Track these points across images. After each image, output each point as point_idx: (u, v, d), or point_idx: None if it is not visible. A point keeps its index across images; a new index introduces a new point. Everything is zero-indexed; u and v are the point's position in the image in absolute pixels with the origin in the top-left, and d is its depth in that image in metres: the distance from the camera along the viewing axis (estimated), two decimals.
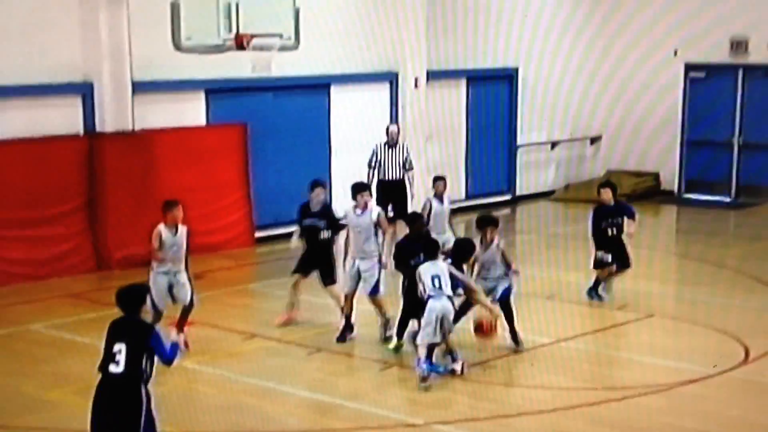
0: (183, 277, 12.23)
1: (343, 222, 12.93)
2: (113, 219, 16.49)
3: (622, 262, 14.15)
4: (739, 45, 22.23)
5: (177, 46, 15.02)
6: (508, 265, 12.11)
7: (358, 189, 12.71)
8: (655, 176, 23.54)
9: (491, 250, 12.06)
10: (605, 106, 24.01)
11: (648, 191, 23.24)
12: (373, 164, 17.87)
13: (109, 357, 7.79)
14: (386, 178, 17.82)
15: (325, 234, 13.07)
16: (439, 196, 14.49)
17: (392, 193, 17.86)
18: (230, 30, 15.47)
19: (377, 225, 12.53)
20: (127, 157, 16.51)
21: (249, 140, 17.99)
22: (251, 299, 15.47)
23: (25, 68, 15.74)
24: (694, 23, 22.61)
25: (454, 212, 15.19)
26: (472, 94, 21.83)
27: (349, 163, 19.07)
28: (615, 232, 14.05)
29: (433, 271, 11.17)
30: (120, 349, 7.76)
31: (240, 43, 15.43)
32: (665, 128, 23.21)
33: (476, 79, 21.77)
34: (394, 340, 12.05)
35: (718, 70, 22.78)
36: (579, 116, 23.85)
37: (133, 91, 16.50)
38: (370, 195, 13.31)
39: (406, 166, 17.95)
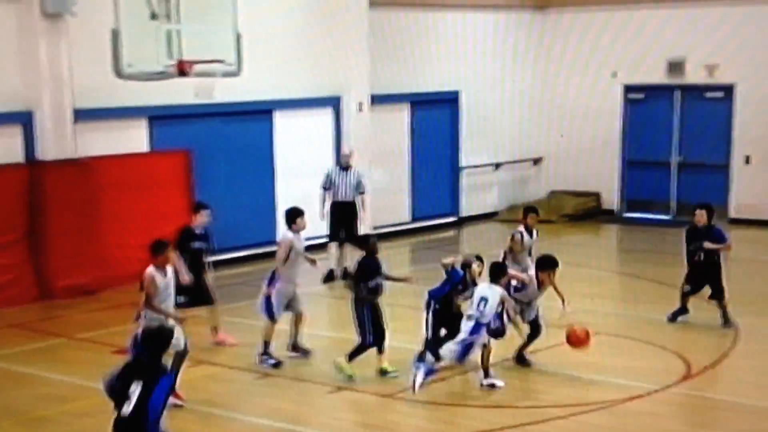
0: (172, 321, 11.22)
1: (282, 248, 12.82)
2: (55, 248, 16.31)
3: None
4: (675, 66, 22.60)
5: (118, 74, 14.93)
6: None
7: (298, 214, 12.80)
8: (597, 196, 23.83)
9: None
10: (547, 127, 24.29)
11: (590, 211, 23.53)
12: (326, 186, 17.86)
13: (123, 397, 7.60)
14: (339, 199, 17.81)
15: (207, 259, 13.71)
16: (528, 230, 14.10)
17: (344, 214, 17.86)
18: (171, 57, 15.42)
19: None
20: (69, 186, 16.35)
21: (193, 166, 17.93)
22: (200, 326, 15.30)
23: None
24: (632, 46, 23.02)
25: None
26: (415, 118, 21.96)
27: (294, 187, 19.09)
28: (702, 257, 14.00)
29: (486, 293, 11.39)
30: (135, 389, 7.59)
31: (182, 69, 15.39)
32: (606, 149, 23.52)
33: (420, 102, 21.91)
34: (344, 364, 11.98)
35: (655, 91, 23.14)
36: (521, 138, 24.09)
37: (75, 119, 16.36)
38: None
39: (359, 188, 18.01)
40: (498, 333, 11.83)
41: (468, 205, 22.96)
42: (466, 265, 12.29)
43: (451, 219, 22.70)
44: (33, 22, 16.00)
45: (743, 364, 12.64)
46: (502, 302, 11.45)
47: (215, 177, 18.36)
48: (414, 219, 21.99)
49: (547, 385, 11.77)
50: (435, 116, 22.35)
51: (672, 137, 23.05)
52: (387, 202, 21.19)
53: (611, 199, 23.80)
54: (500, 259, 13.14)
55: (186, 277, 12.84)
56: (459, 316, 11.88)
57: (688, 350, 12.84)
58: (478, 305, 11.32)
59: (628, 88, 23.43)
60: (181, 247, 13.34)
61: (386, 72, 20.85)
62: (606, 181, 23.66)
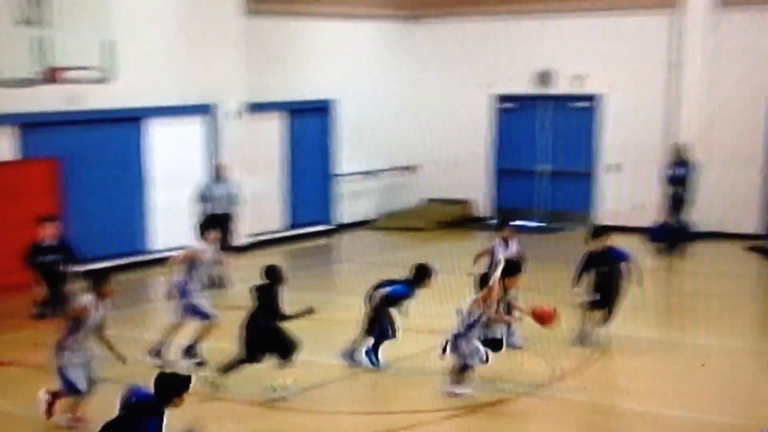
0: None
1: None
2: None
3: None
4: (544, 77, 23.13)
5: None
6: None
7: (209, 225, 13.62)
8: (469, 204, 24.21)
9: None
10: (420, 136, 24.54)
11: (462, 219, 23.90)
12: (202, 198, 18.09)
13: None
14: (214, 212, 17.92)
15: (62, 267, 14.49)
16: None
17: (218, 226, 17.79)
18: (42, 63, 15.11)
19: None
20: None
21: (63, 175, 17.62)
22: None
23: None
24: (503, 57, 23.46)
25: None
26: (291, 126, 21.96)
27: (166, 196, 18.94)
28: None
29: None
30: None
31: (52, 76, 15.09)
32: (478, 157, 23.94)
33: (296, 110, 21.92)
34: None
35: (525, 101, 23.65)
36: (396, 146, 24.30)
37: None
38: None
39: (234, 200, 18.20)
40: (495, 344, 11.91)
41: (344, 213, 23.04)
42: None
43: (327, 227, 22.78)
44: None
45: (612, 367, 13.03)
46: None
47: (85, 185, 18.07)
48: (290, 227, 22.00)
49: (420, 391, 11.90)
50: (311, 124, 22.40)
51: (541, 146, 23.59)
52: (263, 210, 21.17)
53: (483, 206, 24.20)
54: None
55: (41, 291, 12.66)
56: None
57: (555, 355, 13.13)
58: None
59: (499, 98, 23.88)
60: (29, 263, 13.64)
61: (262, 80, 20.77)
62: (478, 189, 24.08)
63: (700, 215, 20.56)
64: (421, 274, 12.65)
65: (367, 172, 23.62)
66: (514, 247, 14.18)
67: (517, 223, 22.92)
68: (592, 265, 13.74)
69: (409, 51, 24.42)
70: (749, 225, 21.16)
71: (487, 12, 23.58)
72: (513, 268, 12.19)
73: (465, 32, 23.97)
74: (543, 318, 11.84)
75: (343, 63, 22.84)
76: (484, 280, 12.60)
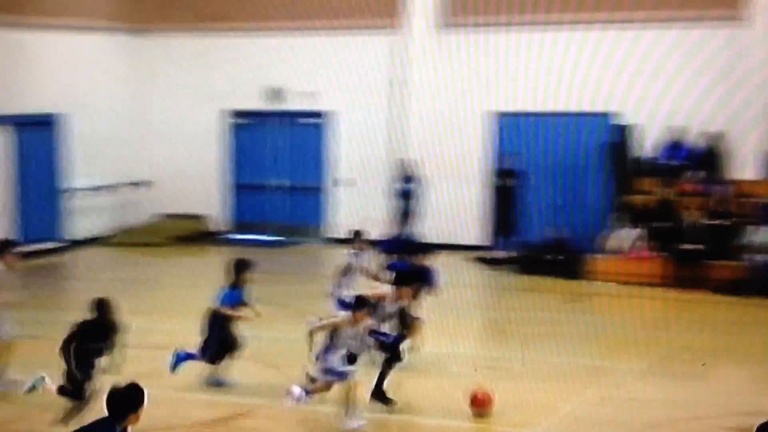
0: None
1: None
2: None
3: None
4: (275, 93, 23.41)
5: None
6: None
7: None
8: (204, 219, 24.15)
9: None
10: (153, 151, 24.30)
11: (198, 233, 23.82)
12: None
13: None
14: None
15: None
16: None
17: None
18: None
19: None
20: None
21: None
22: None
23: None
24: (234, 72, 23.58)
25: None
26: (19, 140, 21.20)
27: None
28: None
29: None
30: None
31: None
32: (212, 172, 23.93)
33: (23, 124, 21.17)
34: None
35: (257, 117, 23.91)
36: (128, 161, 23.94)
37: None
38: None
39: None
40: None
41: (77, 229, 22.43)
42: None
43: (57, 244, 22.10)
44: None
45: None
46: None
47: None
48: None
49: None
50: (39, 138, 21.66)
51: (275, 161, 23.89)
52: None
53: (218, 221, 24.23)
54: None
55: None
56: None
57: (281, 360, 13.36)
58: None
59: (231, 114, 24.00)
60: None
61: None
62: (213, 204, 24.09)
63: (429, 227, 21.34)
64: (241, 270, 12.47)
65: (100, 188, 23.10)
66: (366, 259, 14.61)
67: (253, 237, 23.54)
68: None
69: (140, 64, 24.15)
70: (473, 237, 22.20)
71: (220, 28, 23.65)
72: (406, 277, 12.36)
73: (194, 47, 23.96)
74: (482, 403, 11.35)
75: (72, 75, 22.32)
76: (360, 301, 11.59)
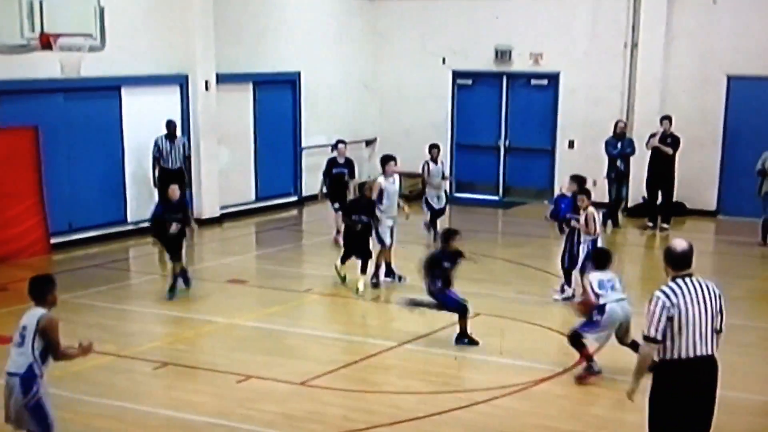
0: None
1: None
2: None
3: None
4: (503, 54, 22.67)
5: None
6: None
7: (386, 160, 15.41)
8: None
9: None
10: (379, 109, 23.96)
11: (420, 192, 23.26)
12: (155, 155, 18.04)
13: None
14: (167, 167, 18.07)
15: (347, 178, 17.66)
16: (434, 160, 18.14)
17: (172, 181, 17.11)
18: (34, 29, 13.95)
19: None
20: None
21: (40, 144, 16.46)
22: (61, 312, 13.96)
23: None
24: (461, 33, 22.93)
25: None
26: (258, 98, 21.08)
27: (142, 166, 18.10)
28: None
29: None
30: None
31: (46, 42, 13.95)
32: (436, 132, 23.29)
33: (262, 83, 21.03)
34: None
35: (483, 77, 23.17)
36: (356, 119, 23.62)
37: None
38: (396, 164, 15.46)
39: (185, 155, 18.35)
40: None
41: (308, 185, 22.25)
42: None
43: (293, 198, 22.00)
44: None
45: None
46: None
47: (64, 154, 16.99)
48: (257, 199, 21.19)
49: (454, 370, 11.36)
50: (277, 96, 21.55)
51: (499, 122, 23.17)
52: (233, 182, 20.35)
53: None
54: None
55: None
56: None
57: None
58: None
59: (457, 74, 23.36)
60: (327, 173, 18.00)
61: (231, 51, 19.87)
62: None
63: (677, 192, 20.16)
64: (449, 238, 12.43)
65: (329, 145, 22.78)
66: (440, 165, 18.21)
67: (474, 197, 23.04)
68: None
69: (370, 25, 23.71)
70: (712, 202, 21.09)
71: None
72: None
73: (424, 9, 23.30)
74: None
75: (307, 36, 22.02)
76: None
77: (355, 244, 14.68)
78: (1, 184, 15.98)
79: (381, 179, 15.28)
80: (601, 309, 10.75)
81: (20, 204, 16.34)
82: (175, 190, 13.84)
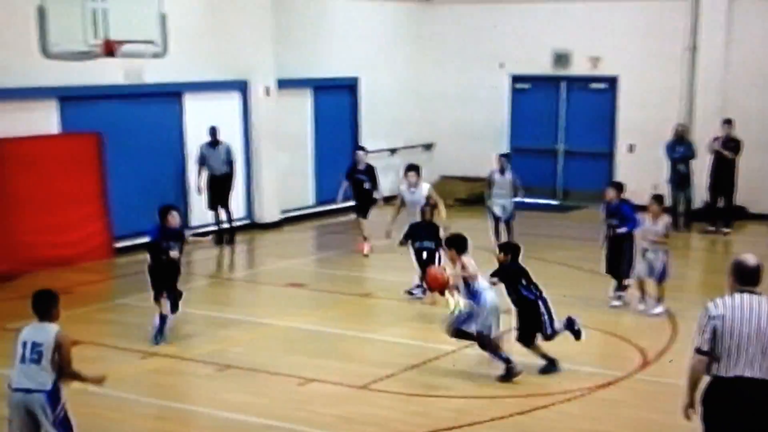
0: None
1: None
2: None
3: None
4: (561, 58, 22.43)
5: (45, 52, 13.50)
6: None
7: (407, 169, 15.30)
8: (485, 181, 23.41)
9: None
10: (437, 114, 23.79)
11: (480, 196, 23.08)
12: (200, 162, 17.94)
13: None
14: (213, 173, 17.99)
15: (366, 185, 17.22)
16: (501, 170, 17.52)
17: (219, 186, 18.00)
18: (97, 36, 14.06)
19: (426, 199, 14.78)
20: None
21: (104, 149, 16.60)
22: (124, 315, 14.07)
23: None
24: (519, 37, 22.72)
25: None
26: (317, 103, 21.09)
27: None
28: (613, 233, 13.82)
29: None
30: None
31: (109, 49, 14.06)
32: (494, 136, 23.15)
33: (321, 88, 21.04)
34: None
35: (541, 81, 22.94)
36: (414, 124, 23.52)
37: None
38: (418, 175, 15.33)
39: (229, 160, 18.12)
40: None
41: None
42: None
43: (351, 203, 21.88)
44: None
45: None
46: None
47: (126, 159, 17.10)
48: (317, 203, 21.18)
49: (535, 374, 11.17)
50: (336, 101, 21.55)
51: (557, 126, 22.92)
52: (292, 186, 20.36)
53: None
54: None
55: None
56: None
57: (630, 333, 12.52)
58: None
59: (515, 78, 23.16)
60: (347, 178, 17.59)
61: (291, 57, 19.88)
62: (494, 166, 23.22)
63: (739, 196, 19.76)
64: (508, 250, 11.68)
65: (385, 150, 22.77)
66: (507, 175, 17.49)
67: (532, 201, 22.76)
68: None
69: (427, 31, 23.58)
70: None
71: None
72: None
73: (481, 13, 23.12)
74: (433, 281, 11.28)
75: (365, 41, 21.97)
76: None
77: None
78: (64, 189, 16.14)
79: (402, 187, 15.36)
80: (477, 296, 10.70)
81: (84, 208, 16.50)
82: (175, 217, 12.47)
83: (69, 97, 16.20)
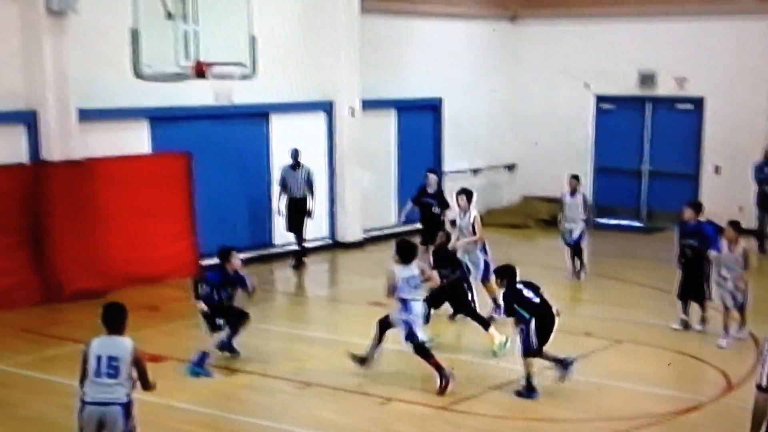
0: None
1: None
2: (59, 249, 15.20)
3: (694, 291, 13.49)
4: (647, 79, 22.19)
5: (137, 74, 13.83)
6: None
7: (458, 193, 14.77)
8: None
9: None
10: (520, 134, 23.71)
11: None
12: (282, 184, 17.79)
13: None
14: (292, 196, 17.81)
15: (436, 210, 16.70)
16: (572, 192, 17.01)
17: (297, 209, 17.84)
18: (189, 58, 14.35)
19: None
20: (74, 186, 15.26)
21: (192, 168, 16.91)
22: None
23: None
24: (604, 58, 22.54)
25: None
26: (401, 123, 21.19)
27: None
28: (691, 254, 13.42)
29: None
30: None
31: (199, 71, 14.31)
32: (577, 156, 22.95)
33: (405, 108, 21.14)
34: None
35: (627, 102, 22.71)
36: (496, 144, 23.47)
37: (78, 120, 15.30)
38: (468, 200, 14.64)
39: (309, 184, 17.88)
40: None
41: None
42: None
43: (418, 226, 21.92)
44: (37, 19, 14.90)
45: None
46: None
47: (214, 178, 17.38)
48: (400, 222, 21.18)
49: (595, 397, 11.06)
50: (419, 122, 21.61)
51: (642, 146, 22.65)
52: (375, 205, 20.45)
53: None
54: None
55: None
56: None
57: (712, 357, 12.28)
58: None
59: (600, 99, 22.97)
60: (414, 200, 17.24)
61: (375, 78, 20.01)
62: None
63: None
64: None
65: (467, 170, 22.74)
66: (577, 197, 17.03)
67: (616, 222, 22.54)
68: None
69: (510, 51, 23.55)
70: None
71: (587, 14, 22.63)
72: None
73: (565, 33, 23.04)
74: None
75: (447, 62, 22.01)
76: None
77: (450, 299, 13.15)
78: (154, 207, 16.45)
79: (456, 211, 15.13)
80: (407, 305, 10.89)
81: (172, 226, 16.79)
82: (237, 259, 12.16)
83: (160, 118, 16.57)
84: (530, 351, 10.78)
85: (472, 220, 14.32)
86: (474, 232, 14.23)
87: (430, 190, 17.01)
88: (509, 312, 10.95)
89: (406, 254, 11.17)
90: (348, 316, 14.82)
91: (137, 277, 16.01)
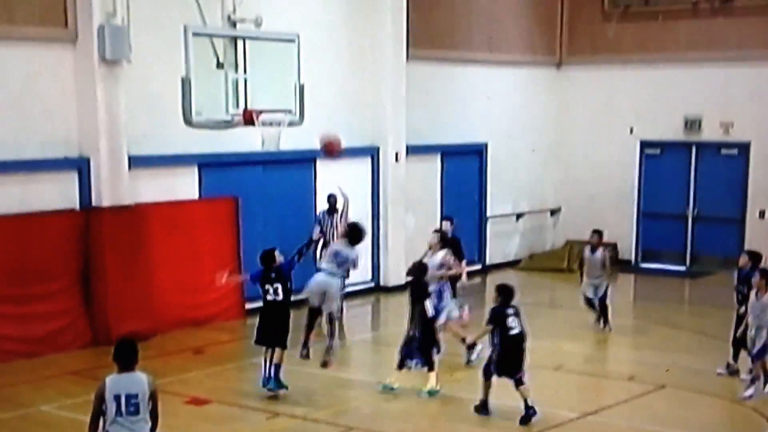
0: None
1: None
2: (109, 293, 15.36)
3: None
4: (692, 124, 22.10)
5: (187, 121, 14.07)
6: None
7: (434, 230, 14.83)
8: (614, 246, 23.10)
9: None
10: (565, 179, 23.72)
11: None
12: (321, 229, 17.45)
13: None
14: (329, 240, 17.29)
15: None
16: (594, 248, 16.42)
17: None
18: (238, 105, 14.58)
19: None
20: (123, 232, 15.46)
21: (239, 213, 17.08)
22: (254, 374, 14.28)
23: (18, 142, 14.67)
24: (650, 103, 22.51)
25: None
26: (446, 168, 21.27)
27: None
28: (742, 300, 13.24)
29: None
30: None
31: (248, 118, 14.53)
32: (622, 201, 22.89)
33: (450, 153, 21.24)
34: None
35: (672, 147, 22.62)
36: (540, 189, 23.46)
37: (129, 166, 15.55)
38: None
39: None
40: None
41: (492, 253, 22.19)
42: None
43: (477, 267, 21.92)
44: (91, 68, 15.17)
45: None
46: None
47: (261, 223, 17.53)
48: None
49: None
50: (464, 166, 21.68)
51: (688, 191, 22.50)
52: (418, 250, 20.37)
53: (628, 249, 23.11)
54: None
55: None
56: None
57: (760, 404, 12.09)
58: None
59: (645, 144, 22.89)
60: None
61: (420, 123, 20.16)
62: (623, 232, 22.94)
63: None
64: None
65: (514, 214, 22.74)
66: (599, 254, 16.29)
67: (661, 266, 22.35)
68: None
69: (555, 97, 23.63)
70: None
71: (631, 60, 22.64)
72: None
73: (610, 78, 23.10)
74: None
75: (494, 107, 22.10)
76: None
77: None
78: (202, 252, 16.61)
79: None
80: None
81: (220, 270, 16.87)
82: (278, 256, 13.00)
83: (209, 164, 16.79)
84: (487, 374, 11.58)
85: (440, 259, 14.23)
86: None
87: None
88: (491, 322, 11.60)
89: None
90: (390, 359, 14.76)
91: (184, 319, 16.16)
